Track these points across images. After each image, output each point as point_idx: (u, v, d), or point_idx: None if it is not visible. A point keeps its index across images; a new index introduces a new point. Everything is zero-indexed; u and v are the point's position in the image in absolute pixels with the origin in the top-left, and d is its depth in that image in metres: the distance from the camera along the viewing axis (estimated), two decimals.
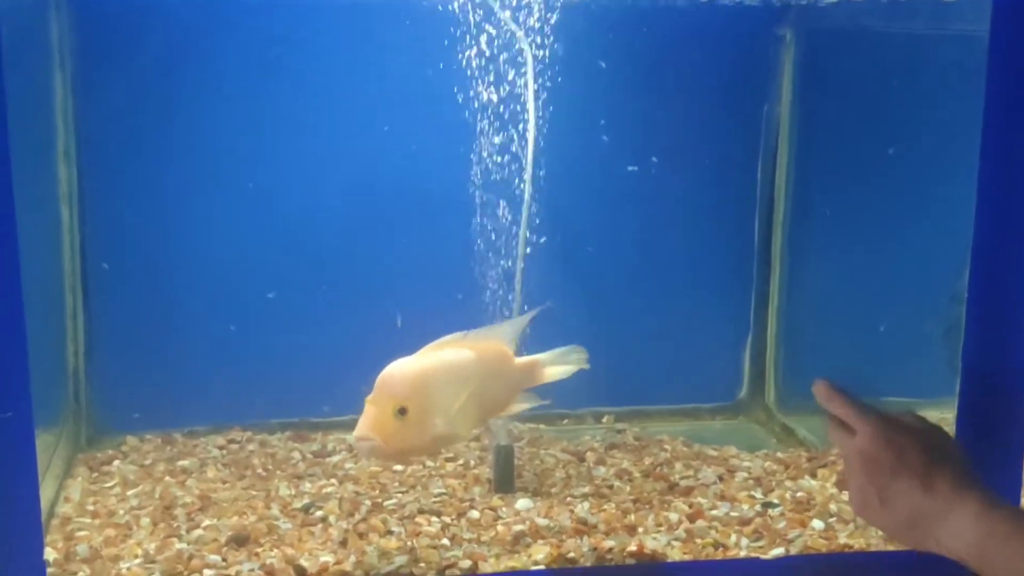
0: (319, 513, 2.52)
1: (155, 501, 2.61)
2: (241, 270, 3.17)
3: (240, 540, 2.35)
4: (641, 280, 3.31)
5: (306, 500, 2.61)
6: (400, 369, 2.14)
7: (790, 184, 3.23)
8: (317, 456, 3.00)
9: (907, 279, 3.14)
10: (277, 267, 3.17)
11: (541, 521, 2.43)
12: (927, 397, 3.19)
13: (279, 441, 3.15)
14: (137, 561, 2.24)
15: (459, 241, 3.04)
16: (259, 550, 2.31)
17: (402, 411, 2.07)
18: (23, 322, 1.89)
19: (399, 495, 2.63)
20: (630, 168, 3.18)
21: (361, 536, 2.38)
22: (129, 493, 2.68)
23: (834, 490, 2.60)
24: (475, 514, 2.49)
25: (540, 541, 2.34)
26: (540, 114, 2.84)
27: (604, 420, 3.33)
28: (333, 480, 2.77)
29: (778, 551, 2.32)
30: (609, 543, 2.30)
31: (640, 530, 2.41)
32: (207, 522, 2.46)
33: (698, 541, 2.36)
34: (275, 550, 2.30)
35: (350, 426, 3.24)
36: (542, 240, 2.99)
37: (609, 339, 3.06)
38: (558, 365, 2.39)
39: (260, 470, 2.88)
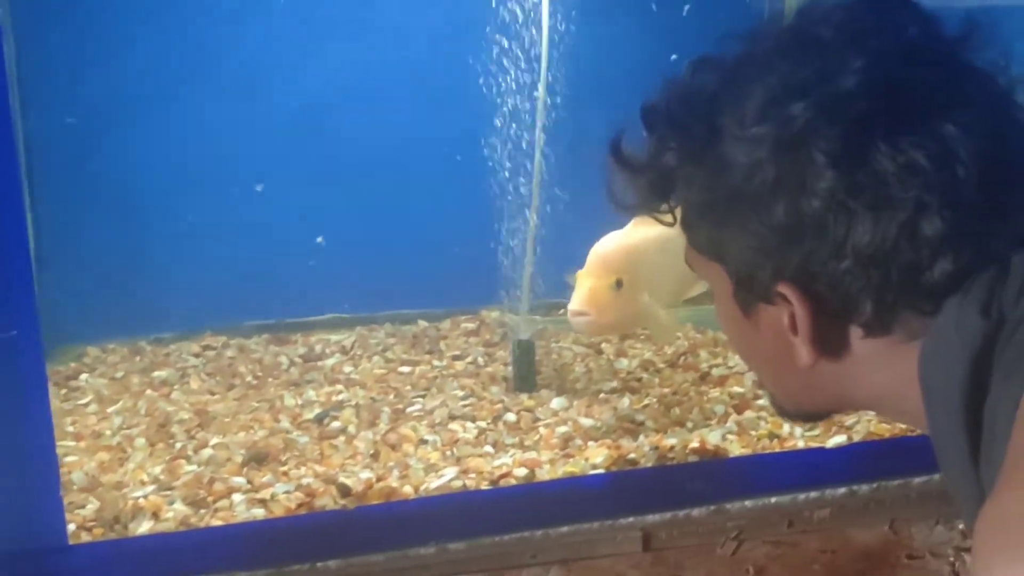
0: (336, 424, 2.29)
1: (144, 419, 2.33)
2: (202, 165, 2.84)
3: (259, 458, 2.11)
4: None
5: (317, 410, 2.37)
6: (616, 242, 2.05)
7: None
8: (307, 360, 2.75)
9: None
10: (245, 161, 2.86)
11: (585, 421, 2.26)
12: None
13: (258, 345, 2.88)
14: (150, 488, 1.98)
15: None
16: (284, 468, 2.08)
17: (618, 284, 1.99)
18: (25, 237, 1.59)
19: (419, 400, 2.41)
20: None
21: (393, 448, 2.16)
22: (110, 411, 2.40)
23: None
24: (511, 417, 2.30)
25: (592, 443, 2.16)
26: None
27: None
28: (338, 386, 2.52)
29: (839, 439, 2.20)
30: (670, 441, 2.14)
31: (689, 425, 2.25)
32: (214, 439, 2.21)
33: (752, 434, 2.22)
34: (303, 467, 2.07)
35: (331, 326, 3.06)
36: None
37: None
38: None
39: (250, 378, 2.62)
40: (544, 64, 2.42)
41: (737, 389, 2.43)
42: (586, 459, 2.09)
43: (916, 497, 2.22)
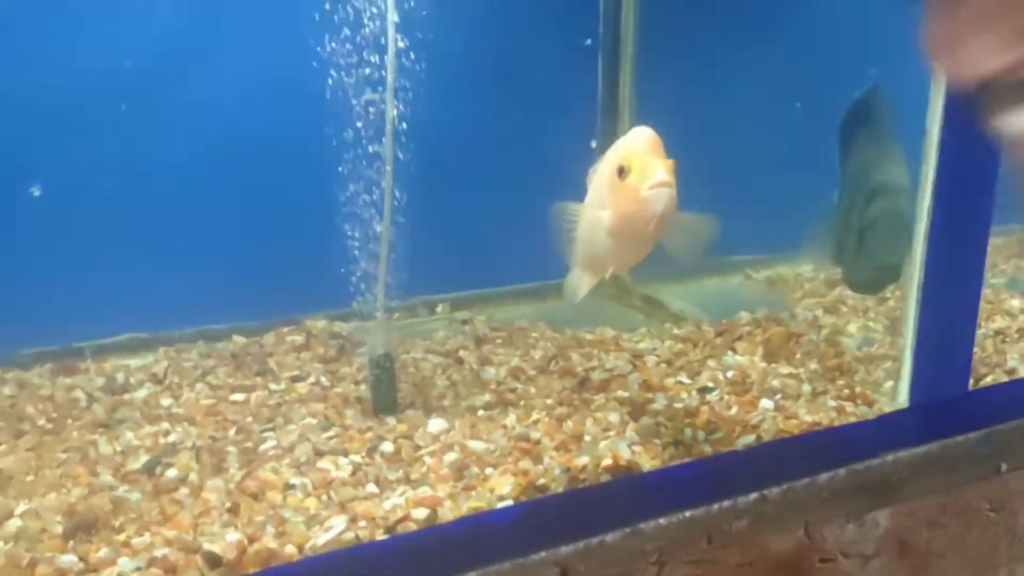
0: (172, 473, 1.87)
1: None
2: None
3: (85, 526, 1.67)
4: (471, 154, 2.83)
5: (144, 457, 1.93)
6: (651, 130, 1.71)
7: (636, 33, 2.86)
8: (111, 393, 2.28)
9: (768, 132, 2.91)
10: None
11: (475, 445, 1.96)
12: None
13: (42, 378, 2.38)
14: None
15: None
16: (121, 537, 1.65)
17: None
18: None
19: (269, 434, 2.03)
20: None
21: (255, 497, 1.78)
22: None
23: (764, 363, 2.34)
24: (388, 446, 1.96)
25: (490, 469, 1.87)
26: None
27: (439, 309, 2.85)
28: (162, 424, 2.09)
29: (748, 439, 2.03)
30: (581, 460, 1.88)
31: (588, 439, 2.01)
32: (19, 507, 1.74)
33: (656, 442, 2.00)
34: (146, 534, 1.65)
35: (129, 348, 2.58)
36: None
37: (438, 220, 2.58)
38: None
39: (43, 421, 2.13)
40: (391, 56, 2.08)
41: (623, 393, 2.21)
42: (491, 490, 1.80)
43: (828, 496, 2.09)
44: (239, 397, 2.22)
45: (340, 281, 2.56)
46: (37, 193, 2.34)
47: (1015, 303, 2.73)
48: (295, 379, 2.32)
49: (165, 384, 2.30)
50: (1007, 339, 2.50)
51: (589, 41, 2.93)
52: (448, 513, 1.73)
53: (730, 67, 2.94)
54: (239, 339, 2.61)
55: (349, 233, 2.26)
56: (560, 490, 1.83)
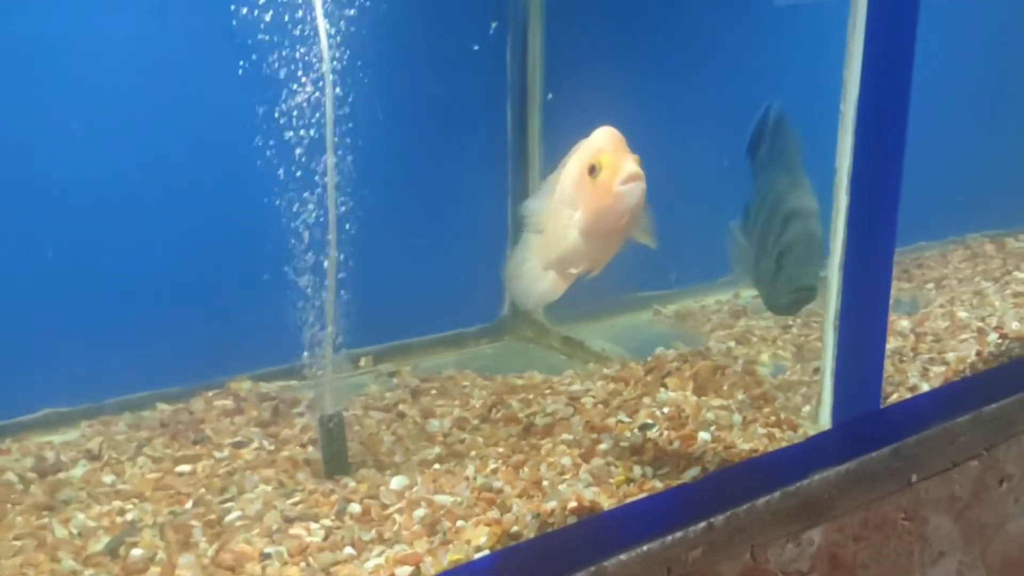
0: (137, 552, 1.84)
1: None
2: None
3: None
4: (382, 202, 2.86)
5: (105, 538, 1.89)
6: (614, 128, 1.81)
7: (542, 70, 2.96)
8: (44, 474, 2.20)
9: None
10: None
11: (441, 499, 1.99)
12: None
13: None
14: None
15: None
16: None
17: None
18: None
19: (230, 503, 2.01)
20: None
21: (233, 571, 1.77)
22: None
23: (696, 397, 2.46)
24: (355, 507, 1.97)
25: (461, 522, 1.91)
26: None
27: (362, 363, 2.86)
28: (114, 502, 2.04)
29: (693, 471, 2.13)
30: (549, 504, 1.94)
31: (545, 484, 2.07)
32: None
33: (610, 482, 2.09)
34: None
35: (48, 424, 2.49)
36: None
37: (354, 271, 2.60)
38: None
39: None
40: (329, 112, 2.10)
41: (568, 436, 2.29)
42: (467, 542, 1.84)
43: (769, 519, 2.22)
44: (185, 468, 2.19)
45: (263, 339, 2.57)
46: None
47: (904, 323, 2.95)
48: (237, 445, 2.30)
49: (103, 460, 2.24)
50: (904, 358, 2.70)
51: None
52: (431, 568, 1.77)
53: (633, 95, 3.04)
54: (164, 407, 2.56)
55: (273, 289, 2.25)
56: (532, 535, 1.89)
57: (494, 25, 2.91)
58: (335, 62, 2.10)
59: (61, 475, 2.19)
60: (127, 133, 2.45)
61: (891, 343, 2.79)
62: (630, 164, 1.72)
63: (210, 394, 2.61)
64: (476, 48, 2.91)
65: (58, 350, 2.46)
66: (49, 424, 2.48)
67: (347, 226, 2.54)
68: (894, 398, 2.50)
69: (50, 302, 2.46)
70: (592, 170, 1.74)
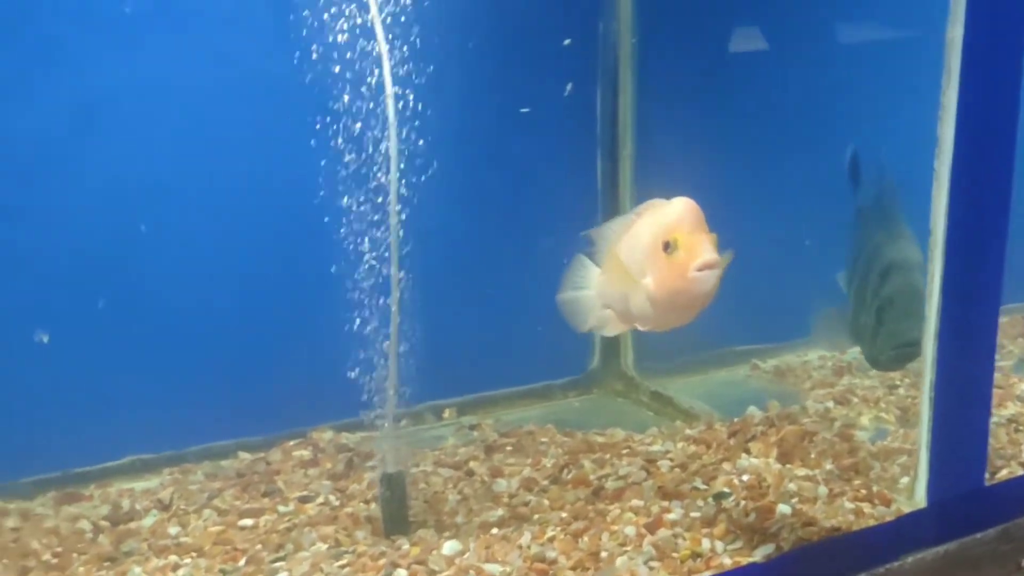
0: None
1: None
2: None
3: None
4: (470, 253, 2.84)
5: None
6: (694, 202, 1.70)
7: (632, 124, 2.88)
8: (116, 523, 2.24)
9: (779, 220, 2.90)
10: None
11: (491, 568, 1.92)
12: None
13: (44, 507, 2.34)
14: None
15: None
16: None
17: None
18: None
19: (281, 564, 1.99)
20: None
21: None
22: None
23: (779, 465, 2.31)
24: (402, 573, 1.92)
25: None
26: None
27: (445, 415, 2.83)
28: (171, 556, 2.05)
29: (767, 549, 1.99)
30: None
31: (604, 555, 1.97)
32: None
33: (674, 556, 1.97)
34: None
35: (133, 471, 2.54)
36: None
37: (440, 323, 2.56)
38: None
39: (48, 556, 2.09)
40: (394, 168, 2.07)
41: (637, 502, 2.18)
42: None
43: None
44: (248, 522, 2.19)
45: (345, 390, 2.55)
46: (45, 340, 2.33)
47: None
48: (304, 499, 2.29)
49: (172, 511, 2.26)
50: (1020, 427, 2.48)
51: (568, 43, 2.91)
52: None
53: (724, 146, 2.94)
54: (244, 455, 2.58)
55: (353, 340, 2.23)
56: None
57: (567, 42, 2.83)
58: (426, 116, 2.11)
59: (132, 524, 2.23)
60: (219, 188, 2.50)
61: (1008, 409, 2.57)
62: (708, 249, 1.62)
63: (291, 444, 2.62)
64: (567, 98, 2.85)
65: (144, 397, 2.51)
66: (134, 471, 2.54)
67: (438, 277, 2.52)
68: (1004, 474, 2.29)
69: (141, 350, 2.52)
70: (667, 246, 1.65)
